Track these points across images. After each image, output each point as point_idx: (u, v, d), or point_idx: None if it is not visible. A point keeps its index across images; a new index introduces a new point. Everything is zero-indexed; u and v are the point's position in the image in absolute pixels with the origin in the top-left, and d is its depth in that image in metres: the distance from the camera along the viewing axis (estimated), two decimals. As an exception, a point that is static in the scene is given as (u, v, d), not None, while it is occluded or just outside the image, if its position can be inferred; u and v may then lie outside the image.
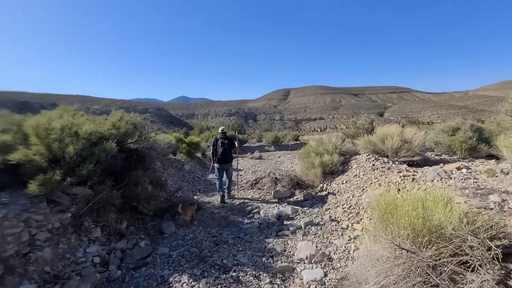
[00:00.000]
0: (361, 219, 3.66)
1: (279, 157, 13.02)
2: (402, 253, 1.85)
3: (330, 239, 3.43)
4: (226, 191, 5.88)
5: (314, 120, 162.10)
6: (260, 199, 5.57)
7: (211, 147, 5.83)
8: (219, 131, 5.99)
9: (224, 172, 5.83)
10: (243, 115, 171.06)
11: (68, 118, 4.08)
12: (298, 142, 20.56)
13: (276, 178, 6.16)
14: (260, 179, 6.40)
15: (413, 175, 3.85)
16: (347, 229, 3.63)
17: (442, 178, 3.36)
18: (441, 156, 6.63)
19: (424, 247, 1.81)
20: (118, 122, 4.58)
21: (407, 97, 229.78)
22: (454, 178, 3.31)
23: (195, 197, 5.70)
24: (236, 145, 6.06)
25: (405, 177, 3.79)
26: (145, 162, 4.86)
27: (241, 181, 7.06)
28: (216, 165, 5.77)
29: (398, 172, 4.14)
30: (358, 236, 3.33)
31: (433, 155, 6.50)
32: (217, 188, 5.92)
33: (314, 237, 3.49)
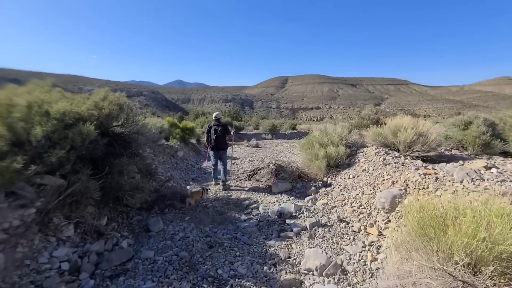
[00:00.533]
0: (375, 222, 3.23)
1: (276, 145, 12.55)
2: (457, 286, 1.40)
3: (341, 244, 3.00)
4: (221, 181, 5.54)
5: (310, 110, 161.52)
6: (259, 192, 5.11)
7: (205, 134, 5.65)
8: (213, 117, 5.68)
9: (219, 160, 5.64)
10: (239, 101, 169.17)
11: (38, 94, 3.46)
12: (295, 131, 20.08)
13: (275, 169, 5.70)
14: (259, 169, 5.92)
15: (435, 173, 3.41)
16: (359, 232, 3.21)
17: (473, 179, 2.92)
18: (451, 151, 6.24)
19: (488, 280, 1.36)
20: (101, 102, 3.98)
21: (404, 89, 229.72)
22: (487, 180, 2.87)
23: (188, 187, 5.21)
24: (231, 132, 5.79)
25: (426, 176, 3.35)
26: (131, 148, 4.31)
27: (237, 171, 6.59)
28: (210, 152, 5.65)
29: (415, 169, 3.70)
30: (373, 242, 2.90)
31: (442, 150, 6.10)
32: (213, 177, 5.78)
33: (322, 242, 3.05)
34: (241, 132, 18.58)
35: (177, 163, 6.74)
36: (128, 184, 3.69)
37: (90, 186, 3.14)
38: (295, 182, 5.37)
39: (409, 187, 3.35)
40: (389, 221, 3.09)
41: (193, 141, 10.37)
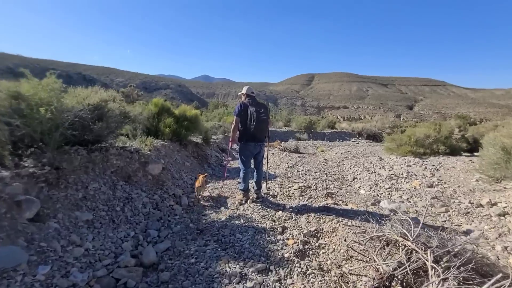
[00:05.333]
0: None
1: (323, 151, 10.43)
2: None
3: None
4: (256, 189, 4.12)
5: (337, 109, 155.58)
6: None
7: (235, 117, 3.81)
8: (244, 91, 3.97)
9: (253, 158, 4.03)
10: (263, 98, 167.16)
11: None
12: (335, 130, 17.77)
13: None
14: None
15: None
16: None
17: None
18: None
19: None
20: None
21: (441, 91, 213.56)
22: None
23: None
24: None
25: None
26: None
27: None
28: (243, 146, 3.90)
29: None
30: None
31: None
32: (240, 183, 4.07)
33: None
34: (270, 128, 16.69)
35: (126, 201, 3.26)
36: None
37: None
38: None
39: None
40: None
41: (197, 139, 7.34)
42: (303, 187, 4.54)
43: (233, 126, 3.81)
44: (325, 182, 5.13)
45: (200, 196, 4.13)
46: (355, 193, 4.44)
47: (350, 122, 26.01)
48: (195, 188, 4.05)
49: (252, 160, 4.00)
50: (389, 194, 4.21)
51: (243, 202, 3.93)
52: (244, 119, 3.69)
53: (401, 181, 4.71)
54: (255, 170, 4.01)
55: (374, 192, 4.49)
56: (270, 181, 5.21)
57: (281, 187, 4.74)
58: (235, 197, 4.17)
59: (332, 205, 3.62)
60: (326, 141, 15.04)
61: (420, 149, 9.00)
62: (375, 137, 18.65)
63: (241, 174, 3.94)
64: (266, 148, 4.13)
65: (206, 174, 4.77)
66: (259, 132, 3.70)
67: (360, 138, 18.25)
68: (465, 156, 9.25)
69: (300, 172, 6.02)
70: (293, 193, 4.36)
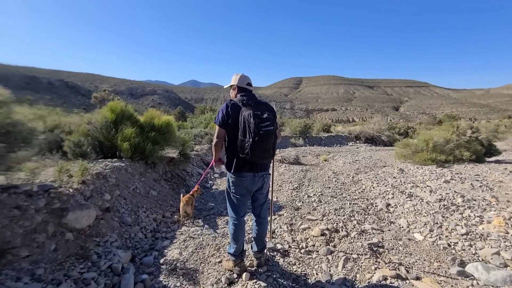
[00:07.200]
0: None
1: (325, 160, 8.86)
2: None
3: None
4: (256, 250, 2.35)
5: (326, 111, 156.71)
6: None
7: (217, 128, 2.13)
8: (234, 82, 2.23)
9: (251, 198, 2.32)
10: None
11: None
12: (331, 134, 16.38)
13: None
14: None
15: None
16: None
17: None
18: None
19: None
20: None
21: (424, 92, 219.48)
22: None
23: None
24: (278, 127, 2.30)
25: None
26: None
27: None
28: (232, 177, 2.16)
29: None
30: None
31: None
32: (230, 244, 2.31)
33: None
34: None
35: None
36: None
37: None
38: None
39: None
40: None
41: (173, 154, 5.47)
42: (327, 232, 2.92)
43: (214, 141, 2.16)
44: (354, 216, 3.50)
45: (183, 218, 3.42)
46: (409, 240, 2.80)
47: (345, 125, 24.81)
48: (180, 207, 3.39)
49: (250, 202, 2.36)
50: (471, 245, 2.56)
51: (235, 276, 2.25)
52: (234, 132, 2.04)
53: (467, 215, 3.05)
54: (255, 219, 2.33)
55: (440, 239, 2.76)
56: (274, 217, 3.55)
57: (291, 231, 3.06)
58: (220, 263, 2.49)
59: (393, 281, 2.04)
60: (323, 147, 13.58)
61: (441, 155, 7.62)
62: (373, 140, 17.45)
63: (231, 227, 2.22)
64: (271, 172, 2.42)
65: (198, 187, 3.78)
66: (261, 155, 1.98)
67: (358, 142, 16.96)
68: (492, 163, 7.92)
69: (312, 198, 4.34)
70: (314, 245, 2.72)
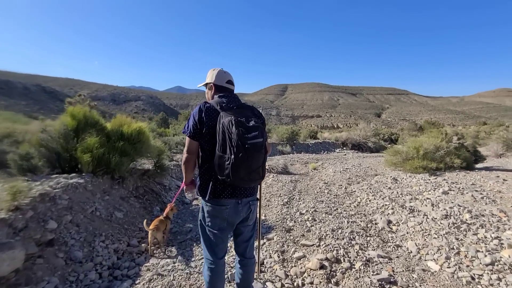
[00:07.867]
0: None
1: (315, 168, 8.46)
2: None
3: None
4: None
5: (311, 118, 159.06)
6: None
7: (188, 139, 1.60)
8: (211, 80, 1.70)
9: (234, 232, 1.79)
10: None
11: None
12: (318, 140, 16.13)
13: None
14: None
15: None
16: None
17: None
18: None
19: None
20: None
21: (404, 99, 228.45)
22: None
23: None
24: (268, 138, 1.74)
25: None
26: None
27: None
28: (208, 206, 1.61)
29: None
30: None
31: None
32: None
33: None
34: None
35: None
36: None
37: None
38: None
39: None
40: None
41: (149, 165, 4.88)
42: (326, 264, 2.41)
43: (184, 158, 1.63)
44: (355, 239, 3.00)
45: (151, 246, 2.81)
46: (424, 270, 2.34)
47: (331, 131, 24.80)
48: (149, 233, 2.76)
49: (232, 238, 1.84)
50: (499, 279, 2.12)
51: None
52: (210, 145, 1.53)
53: (482, 236, 2.63)
54: (238, 259, 1.80)
55: (461, 269, 2.30)
56: (262, 241, 3.01)
57: (283, 261, 2.52)
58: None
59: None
60: (311, 154, 13.26)
61: (432, 163, 7.43)
62: (360, 147, 17.41)
63: (206, 272, 1.67)
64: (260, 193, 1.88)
65: (172, 206, 3.17)
66: (247, 177, 1.45)
67: (345, 148, 16.86)
68: (482, 170, 7.81)
69: (305, 216, 3.80)
70: (312, 282, 2.19)
